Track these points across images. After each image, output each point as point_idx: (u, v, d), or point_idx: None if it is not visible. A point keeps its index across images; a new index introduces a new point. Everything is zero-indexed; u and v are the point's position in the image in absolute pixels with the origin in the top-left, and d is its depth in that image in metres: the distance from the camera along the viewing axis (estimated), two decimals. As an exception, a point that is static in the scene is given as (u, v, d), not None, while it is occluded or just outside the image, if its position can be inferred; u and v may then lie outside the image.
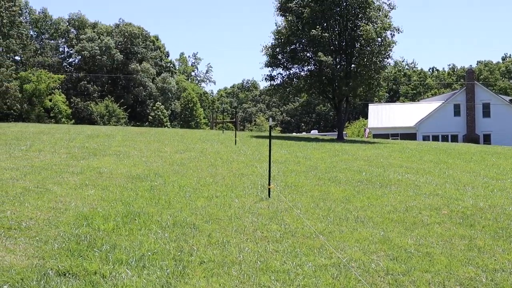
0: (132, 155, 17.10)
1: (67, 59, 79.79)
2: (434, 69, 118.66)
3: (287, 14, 36.27)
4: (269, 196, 11.45)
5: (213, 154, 18.73)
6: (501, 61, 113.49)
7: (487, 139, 54.93)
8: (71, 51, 78.45)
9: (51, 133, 23.08)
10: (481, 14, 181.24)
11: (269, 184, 11.76)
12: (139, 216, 9.23)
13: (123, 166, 14.63)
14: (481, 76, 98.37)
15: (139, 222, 8.85)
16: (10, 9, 59.43)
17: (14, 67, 61.58)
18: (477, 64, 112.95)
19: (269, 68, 37.66)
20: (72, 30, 78.92)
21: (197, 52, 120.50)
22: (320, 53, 33.81)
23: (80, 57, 75.38)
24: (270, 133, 12.67)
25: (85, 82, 72.46)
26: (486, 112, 57.07)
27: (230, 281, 6.48)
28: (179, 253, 7.41)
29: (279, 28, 36.34)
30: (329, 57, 33.72)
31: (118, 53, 74.02)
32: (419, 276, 6.89)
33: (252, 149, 21.29)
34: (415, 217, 10.21)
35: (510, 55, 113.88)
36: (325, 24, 35.42)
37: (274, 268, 7.00)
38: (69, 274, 6.34)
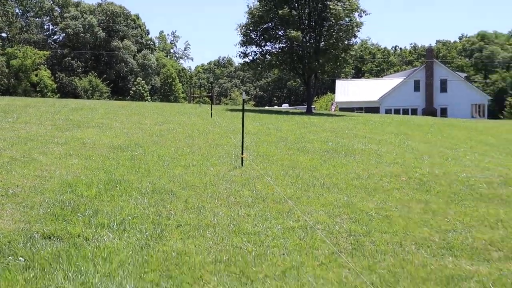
0: (114, 127, 16.95)
1: (52, 36, 78.41)
2: (397, 47, 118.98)
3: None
4: (242, 165, 11.47)
5: (190, 126, 18.66)
6: (458, 41, 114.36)
7: (443, 113, 55.49)
8: (55, 29, 77.07)
9: (37, 106, 22.71)
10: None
11: (242, 154, 11.79)
12: (120, 183, 9.20)
13: (105, 137, 14.50)
14: (440, 54, 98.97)
15: (120, 189, 8.83)
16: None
17: (0, 43, 60.56)
18: (436, 43, 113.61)
19: (244, 46, 37.54)
20: (56, 8, 77.39)
21: (175, 31, 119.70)
22: (289, 30, 33.70)
23: (64, 34, 74.17)
24: (243, 107, 12.68)
25: (69, 58, 71.47)
26: (443, 88, 57.56)
27: (205, 243, 6.52)
28: (157, 217, 7.42)
29: (251, 9, 36.17)
30: (299, 32, 33.72)
31: (101, 31, 73.06)
32: (378, 236, 7.00)
33: (227, 121, 21.25)
34: (376, 183, 10.34)
35: (466, 35, 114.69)
36: (296, 4, 35.28)
37: (245, 230, 7.06)
38: (54, 237, 6.32)
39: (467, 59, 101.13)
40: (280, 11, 33.56)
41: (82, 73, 70.36)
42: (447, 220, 7.91)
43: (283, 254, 6.22)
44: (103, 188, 8.76)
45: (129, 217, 7.33)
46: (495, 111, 72.32)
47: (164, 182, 9.50)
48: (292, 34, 33.06)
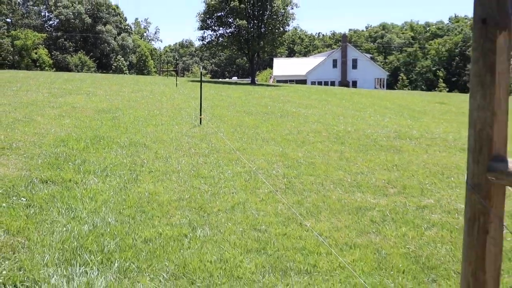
0: (99, 94, 16.35)
1: (48, 22, 74.46)
2: (320, 34, 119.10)
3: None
4: (200, 124, 11.26)
5: (160, 93, 18.20)
6: (365, 29, 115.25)
7: (354, 84, 56.01)
8: (51, 16, 73.40)
9: (36, 78, 21.66)
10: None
11: (200, 115, 11.56)
12: (104, 138, 8.89)
13: (91, 102, 13.98)
14: (352, 40, 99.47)
15: (103, 143, 8.53)
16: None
17: (6, 27, 57.79)
18: (349, 31, 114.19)
19: (202, 31, 37.08)
20: (51, -1, 73.98)
21: (148, 18, 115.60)
22: (237, 19, 33.80)
23: (58, 20, 70.92)
24: (201, 78, 12.41)
25: (63, 39, 68.60)
26: (354, 65, 58.04)
27: (171, 184, 6.37)
28: (133, 165, 7.20)
29: (207, 0, 35.61)
30: (244, 21, 33.82)
31: (88, 17, 70.34)
32: (306, 178, 6.99)
33: (189, 90, 20.82)
34: (304, 137, 10.33)
35: (371, 25, 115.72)
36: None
37: (203, 174, 6.93)
38: (50, 181, 6.06)
39: (372, 43, 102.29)
40: (231, 4, 33.37)
41: (73, 51, 67.82)
42: (356, 165, 7.98)
43: (233, 193, 6.14)
44: (89, 143, 8.45)
45: (111, 165, 7.09)
46: (391, 83, 73.91)
47: (139, 138, 9.23)
48: (239, 22, 33.22)
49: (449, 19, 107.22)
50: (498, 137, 1.59)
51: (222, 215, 5.29)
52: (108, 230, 4.67)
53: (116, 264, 3.89)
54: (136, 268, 3.86)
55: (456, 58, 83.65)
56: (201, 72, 12.49)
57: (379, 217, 5.36)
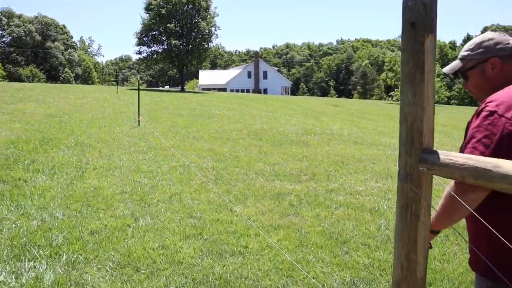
0: (48, 101, 14.93)
1: (1, 39, 67.79)
2: (237, 51, 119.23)
3: (150, 12, 34.06)
4: (139, 125, 10.59)
5: (102, 100, 17.02)
6: (272, 48, 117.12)
7: (265, 92, 56.42)
8: (4, 33, 66.96)
9: (-16, 86, 19.49)
10: (265, 11, 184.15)
11: (138, 118, 10.88)
12: (52, 140, 8.04)
13: (41, 108, 12.71)
14: (263, 56, 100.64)
15: (51, 144, 7.70)
16: None
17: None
18: (260, 48, 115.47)
19: (138, 46, 35.59)
20: (4, 18, 67.09)
21: (91, 36, 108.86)
22: (171, 38, 32.92)
23: (10, 37, 64.88)
24: (138, 86, 11.72)
25: (15, 54, 62.93)
26: (265, 76, 58.63)
27: (114, 179, 5.84)
28: (79, 163, 6.53)
29: (145, 21, 34.20)
30: (176, 41, 33.10)
31: (38, 35, 64.99)
32: (232, 170, 6.74)
33: (128, 97, 19.69)
34: (228, 135, 10.07)
35: (277, 44, 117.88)
36: (174, 20, 33.93)
37: (143, 169, 6.43)
38: (0, 181, 5.30)
39: (278, 59, 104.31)
40: (167, 25, 32.52)
41: (24, 64, 62.40)
42: (273, 157, 7.86)
43: (170, 185, 5.73)
44: (38, 144, 7.59)
45: (58, 164, 6.38)
46: (294, 91, 75.82)
47: (84, 138, 8.46)
48: (173, 42, 32.69)
49: (337, 41, 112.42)
50: (427, 131, 1.45)
51: (161, 205, 4.89)
52: (56, 224, 4.10)
53: (64, 257, 3.39)
54: (84, 259, 3.39)
55: (343, 71, 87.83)
56: (138, 81, 11.78)
57: (296, 201, 5.24)
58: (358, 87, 70.69)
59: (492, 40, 1.61)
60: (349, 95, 73.36)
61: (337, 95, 71.56)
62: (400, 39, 1.44)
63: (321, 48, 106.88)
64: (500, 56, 1.59)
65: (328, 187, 5.93)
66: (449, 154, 1.35)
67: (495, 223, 1.37)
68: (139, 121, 10.77)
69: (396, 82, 45.60)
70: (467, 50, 1.67)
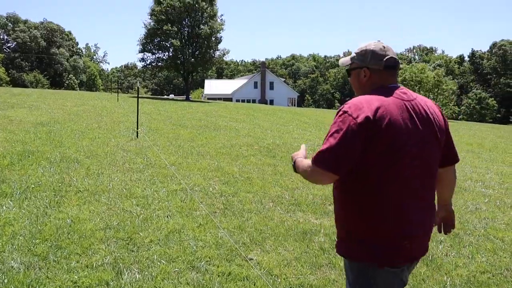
0: (41, 108, 13.92)
1: (6, 44, 67.22)
2: (243, 61, 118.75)
3: (153, 17, 33.18)
4: (137, 137, 9.46)
5: (101, 108, 15.97)
6: (279, 59, 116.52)
7: (271, 102, 55.41)
8: (9, 39, 66.47)
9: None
10: (272, 23, 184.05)
11: (137, 128, 9.76)
12: (33, 153, 6.93)
13: (32, 116, 11.67)
14: (270, 66, 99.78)
15: (32, 159, 6.60)
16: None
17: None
18: (266, 59, 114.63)
19: (142, 53, 34.68)
20: (9, 24, 66.69)
21: (97, 43, 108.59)
22: (171, 39, 31.99)
23: (15, 43, 64.34)
24: (138, 92, 10.62)
25: (20, 59, 62.29)
26: (271, 87, 57.69)
27: (99, 207, 4.70)
28: (59, 184, 5.41)
29: (148, 27, 33.31)
30: (177, 40, 31.98)
31: (43, 41, 64.39)
32: (244, 196, 5.58)
33: (129, 105, 18.62)
34: (238, 151, 8.89)
35: (280, 56, 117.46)
36: (179, 26, 33.03)
37: (136, 194, 5.29)
38: None
39: (285, 69, 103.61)
40: (164, 27, 31.63)
41: (29, 70, 61.87)
42: (291, 180, 6.67)
43: (167, 216, 4.58)
44: (16, 158, 6.49)
45: (33, 185, 5.27)
46: (300, 102, 74.77)
47: (72, 152, 7.34)
48: (174, 43, 31.86)
49: (344, 53, 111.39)
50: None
51: (155, 248, 3.73)
52: (6, 281, 2.96)
53: None
54: None
55: (348, 83, 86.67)
56: (137, 87, 10.65)
57: (328, 243, 4.07)
58: (365, 99, 69.46)
59: (370, 52, 1.80)
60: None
61: (343, 108, 70.38)
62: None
63: (327, 60, 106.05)
64: (370, 68, 1.80)
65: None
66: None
67: (349, 206, 1.75)
68: (137, 132, 9.65)
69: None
70: (356, 53, 1.86)
